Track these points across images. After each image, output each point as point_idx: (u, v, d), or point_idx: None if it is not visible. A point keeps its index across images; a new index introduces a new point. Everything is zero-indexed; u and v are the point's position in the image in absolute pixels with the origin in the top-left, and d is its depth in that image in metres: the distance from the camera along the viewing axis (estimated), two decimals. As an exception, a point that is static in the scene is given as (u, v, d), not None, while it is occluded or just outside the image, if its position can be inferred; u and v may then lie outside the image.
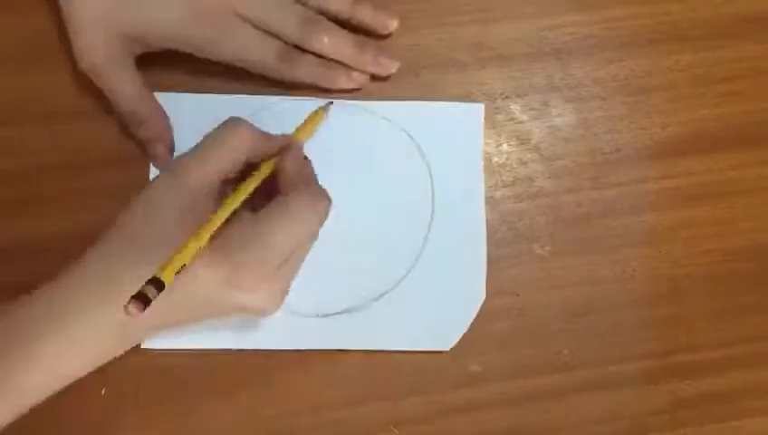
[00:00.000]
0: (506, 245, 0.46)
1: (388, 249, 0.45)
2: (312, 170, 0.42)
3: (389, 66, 0.47)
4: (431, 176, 0.46)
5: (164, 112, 0.45)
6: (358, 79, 0.46)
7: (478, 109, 0.47)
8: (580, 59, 0.48)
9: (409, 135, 0.47)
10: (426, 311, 0.45)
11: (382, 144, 0.46)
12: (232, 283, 0.37)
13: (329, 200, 0.40)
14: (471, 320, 0.45)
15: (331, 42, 0.45)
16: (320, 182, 0.42)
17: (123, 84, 0.44)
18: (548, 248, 0.46)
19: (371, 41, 0.47)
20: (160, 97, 0.45)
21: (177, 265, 0.34)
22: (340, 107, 0.46)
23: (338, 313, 0.44)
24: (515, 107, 0.48)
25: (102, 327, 0.37)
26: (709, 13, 0.49)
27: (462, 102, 0.47)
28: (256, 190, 0.40)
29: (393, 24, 0.47)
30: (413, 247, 0.45)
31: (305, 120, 0.45)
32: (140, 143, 0.45)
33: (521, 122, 0.48)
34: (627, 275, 0.46)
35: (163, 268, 0.34)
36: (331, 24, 0.45)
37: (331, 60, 0.46)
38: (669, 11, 0.49)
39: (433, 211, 0.46)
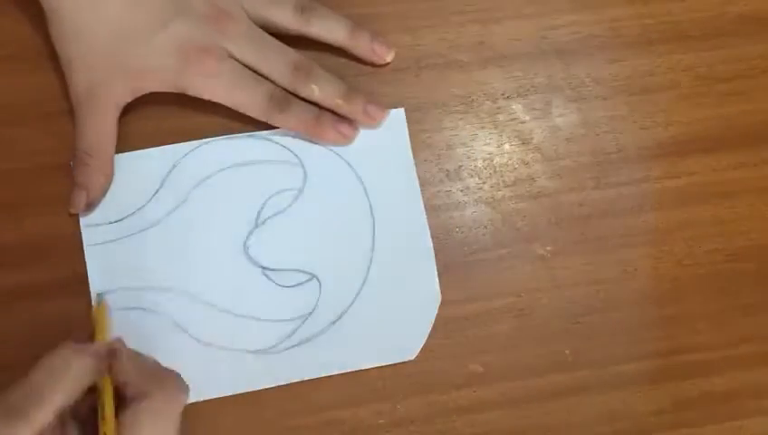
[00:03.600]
0: (508, 245, 0.46)
1: (336, 270, 0.45)
2: (153, 361, 0.40)
3: (378, 116, 0.46)
4: (365, 190, 0.46)
5: (109, 173, 0.44)
6: (346, 133, 0.45)
7: (399, 114, 0.46)
8: (582, 59, 0.48)
9: (337, 154, 0.46)
10: (385, 324, 0.44)
11: (314, 168, 0.46)
12: None
13: (185, 385, 0.38)
14: (431, 325, 0.45)
15: (320, 90, 0.44)
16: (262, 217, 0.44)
17: (92, 126, 0.43)
18: (549, 248, 0.46)
19: (360, 93, 0.46)
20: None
21: None
22: (263, 138, 0.46)
23: (300, 343, 0.44)
24: (517, 107, 0.48)
25: None
26: (711, 12, 0.49)
27: None
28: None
29: (390, 56, 0.47)
30: (361, 262, 0.45)
31: (94, 323, 0.42)
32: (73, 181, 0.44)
33: (522, 122, 0.48)
34: (628, 275, 0.46)
35: None
36: (322, 72, 0.45)
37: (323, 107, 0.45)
38: (671, 11, 0.49)
39: (374, 223, 0.45)
